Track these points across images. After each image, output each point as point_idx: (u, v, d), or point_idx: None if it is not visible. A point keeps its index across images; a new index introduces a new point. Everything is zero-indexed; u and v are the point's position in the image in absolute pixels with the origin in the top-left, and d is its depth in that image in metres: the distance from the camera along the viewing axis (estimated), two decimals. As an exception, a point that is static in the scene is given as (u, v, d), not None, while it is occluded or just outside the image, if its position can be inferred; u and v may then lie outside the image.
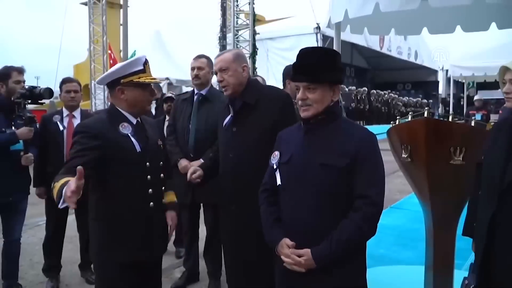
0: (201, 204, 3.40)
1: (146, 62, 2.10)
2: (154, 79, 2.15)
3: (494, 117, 10.31)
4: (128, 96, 2.08)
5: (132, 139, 2.06)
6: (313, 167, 1.72)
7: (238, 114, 2.38)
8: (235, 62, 2.38)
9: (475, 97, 10.80)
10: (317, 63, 1.72)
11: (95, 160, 1.94)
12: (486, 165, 1.86)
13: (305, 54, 1.75)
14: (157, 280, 2.32)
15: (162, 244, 2.28)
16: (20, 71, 3.17)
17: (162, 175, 2.21)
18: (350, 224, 1.65)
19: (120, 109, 2.10)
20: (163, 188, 2.22)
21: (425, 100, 24.89)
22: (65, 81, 3.51)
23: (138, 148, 2.06)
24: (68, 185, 1.65)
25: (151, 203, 2.11)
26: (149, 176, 2.10)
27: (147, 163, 2.10)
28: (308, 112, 1.74)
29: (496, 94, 16.60)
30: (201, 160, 3.07)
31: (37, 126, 3.32)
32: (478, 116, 9.34)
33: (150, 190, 2.11)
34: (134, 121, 2.12)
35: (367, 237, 1.72)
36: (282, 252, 1.76)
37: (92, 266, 3.68)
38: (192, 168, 2.55)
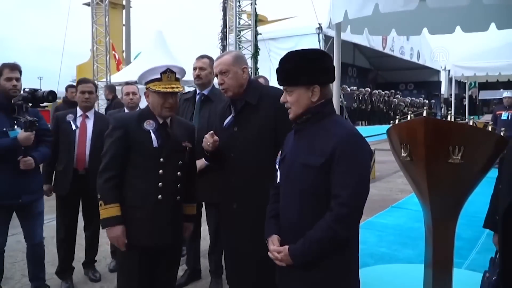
0: (203, 203, 3.43)
1: (165, 71, 2.28)
2: (170, 87, 2.29)
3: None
4: (150, 99, 2.35)
5: (152, 135, 2.31)
6: (296, 167, 1.78)
7: (240, 114, 2.41)
8: (235, 64, 2.39)
9: (504, 94, 9.24)
10: (289, 68, 1.79)
11: (123, 148, 2.30)
12: (507, 161, 1.91)
13: (282, 60, 1.82)
14: (170, 267, 2.51)
15: (169, 235, 2.39)
16: (12, 67, 3.06)
17: (179, 173, 2.39)
18: (323, 224, 1.68)
19: (151, 109, 2.36)
20: (178, 185, 2.39)
21: (426, 101, 24.86)
22: (80, 81, 3.55)
23: (155, 144, 2.30)
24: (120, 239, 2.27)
25: (159, 196, 2.30)
26: (161, 171, 2.31)
27: (161, 159, 2.31)
28: (291, 114, 1.83)
29: (498, 94, 16.58)
30: (204, 160, 3.10)
31: (47, 126, 3.26)
32: (505, 116, 8.69)
33: (160, 183, 2.31)
34: (160, 120, 2.36)
35: (340, 238, 1.70)
36: (269, 247, 1.85)
37: (95, 264, 3.75)
38: (210, 133, 2.39)
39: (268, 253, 1.84)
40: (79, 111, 3.49)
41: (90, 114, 3.51)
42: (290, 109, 1.81)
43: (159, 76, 2.29)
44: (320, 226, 1.68)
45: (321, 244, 1.68)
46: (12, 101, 3.00)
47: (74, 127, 3.40)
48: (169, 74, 2.30)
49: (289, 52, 1.83)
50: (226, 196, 2.46)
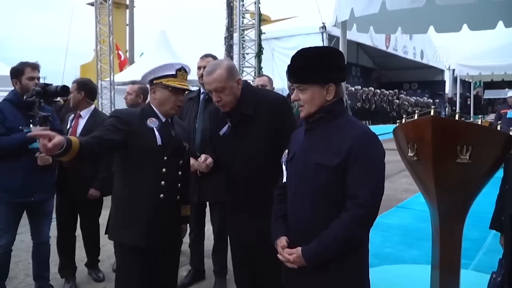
0: (207, 203, 3.41)
1: (181, 69, 2.28)
2: (183, 85, 2.29)
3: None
4: (158, 96, 2.30)
5: (156, 132, 2.26)
6: (309, 166, 1.74)
7: (237, 126, 2.32)
8: (230, 79, 2.24)
9: (509, 94, 9.32)
10: (304, 65, 1.74)
11: (117, 140, 2.15)
12: None
13: (295, 56, 1.78)
14: (168, 267, 2.46)
15: (168, 236, 2.37)
16: (34, 67, 3.07)
17: (180, 172, 2.36)
18: (339, 225, 1.65)
19: (153, 107, 2.33)
20: (179, 185, 2.37)
21: (431, 100, 24.77)
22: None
23: (159, 142, 2.25)
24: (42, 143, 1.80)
25: (161, 195, 2.27)
26: (164, 169, 2.27)
27: (165, 157, 2.27)
28: (302, 112, 1.78)
29: (503, 93, 16.49)
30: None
31: (60, 126, 3.23)
32: (510, 114, 8.63)
33: (163, 182, 2.27)
34: (163, 119, 2.33)
35: (356, 238, 1.69)
36: (277, 249, 1.81)
37: (98, 264, 3.73)
38: (204, 155, 2.38)
39: (278, 255, 1.79)
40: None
41: (84, 113, 3.47)
42: (302, 107, 1.77)
43: (174, 72, 2.27)
44: (336, 227, 1.65)
45: (337, 245, 1.65)
46: (24, 97, 2.96)
47: (68, 126, 3.44)
48: (183, 72, 2.31)
49: (302, 49, 1.79)
50: (235, 207, 2.43)
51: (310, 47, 1.80)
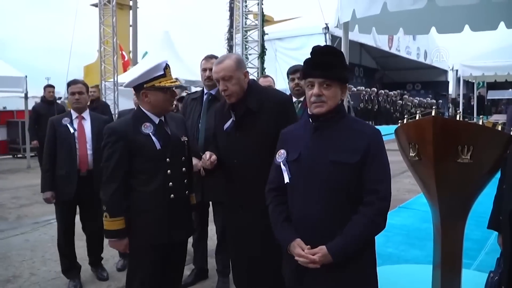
0: (210, 203, 3.43)
1: (166, 67, 2.31)
2: (175, 82, 2.35)
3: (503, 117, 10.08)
4: (151, 99, 2.30)
5: (153, 137, 2.29)
6: (324, 164, 1.74)
7: (241, 120, 2.35)
8: (238, 69, 2.32)
9: None
10: (335, 61, 1.77)
11: (125, 158, 2.25)
12: (511, 160, 1.90)
13: (321, 51, 1.79)
14: (180, 260, 2.55)
15: (184, 231, 2.44)
16: None
17: (184, 169, 2.41)
18: (363, 219, 1.69)
19: (144, 110, 2.34)
20: (185, 181, 2.42)
21: (434, 101, 24.72)
22: (69, 83, 3.46)
23: (158, 146, 2.28)
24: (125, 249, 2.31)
25: (172, 195, 2.32)
26: (169, 171, 2.32)
27: (167, 159, 2.31)
28: (322, 108, 1.76)
29: (507, 94, 16.44)
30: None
31: None
32: None
33: (171, 183, 2.32)
34: (156, 120, 2.34)
35: (380, 230, 1.76)
36: (295, 252, 1.76)
37: (102, 262, 3.76)
38: (208, 153, 2.38)
39: (296, 257, 1.75)
40: (74, 113, 3.41)
41: (86, 115, 3.45)
42: (324, 103, 1.75)
43: (163, 72, 2.29)
44: (360, 221, 1.70)
45: (363, 239, 1.73)
46: None
47: (72, 130, 3.33)
48: (169, 69, 2.34)
49: (324, 46, 1.82)
50: (233, 201, 2.45)
51: (326, 45, 1.84)
